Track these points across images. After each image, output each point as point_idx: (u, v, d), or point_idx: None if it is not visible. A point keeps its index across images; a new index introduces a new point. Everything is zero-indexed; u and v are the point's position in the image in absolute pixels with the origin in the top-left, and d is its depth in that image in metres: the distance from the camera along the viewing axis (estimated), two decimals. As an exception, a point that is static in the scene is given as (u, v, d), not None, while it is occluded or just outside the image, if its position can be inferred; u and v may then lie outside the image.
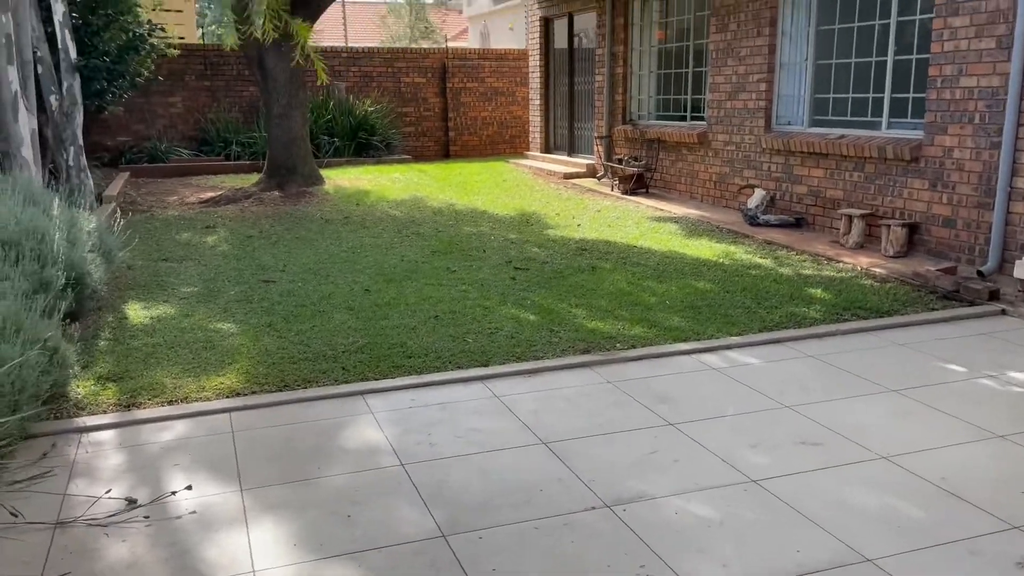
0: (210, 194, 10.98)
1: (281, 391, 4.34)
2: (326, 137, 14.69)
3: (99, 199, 10.04)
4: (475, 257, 7.51)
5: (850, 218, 7.56)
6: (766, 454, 3.60)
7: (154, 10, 14.62)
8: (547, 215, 9.69)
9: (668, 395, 4.29)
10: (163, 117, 14.87)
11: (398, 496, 3.27)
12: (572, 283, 6.51)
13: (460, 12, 26.59)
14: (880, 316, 5.60)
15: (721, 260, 7.24)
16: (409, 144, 16.49)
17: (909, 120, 7.36)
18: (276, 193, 10.80)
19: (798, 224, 8.48)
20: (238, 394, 4.30)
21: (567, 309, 5.78)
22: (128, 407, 4.14)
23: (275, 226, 9.05)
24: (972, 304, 5.80)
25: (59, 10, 9.31)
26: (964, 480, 3.33)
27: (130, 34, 11.15)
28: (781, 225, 8.52)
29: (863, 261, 6.98)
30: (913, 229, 7.13)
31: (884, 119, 7.60)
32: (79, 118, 9.60)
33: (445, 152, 16.88)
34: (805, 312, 5.65)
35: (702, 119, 10.22)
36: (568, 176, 12.73)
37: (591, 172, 12.67)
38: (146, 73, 13.63)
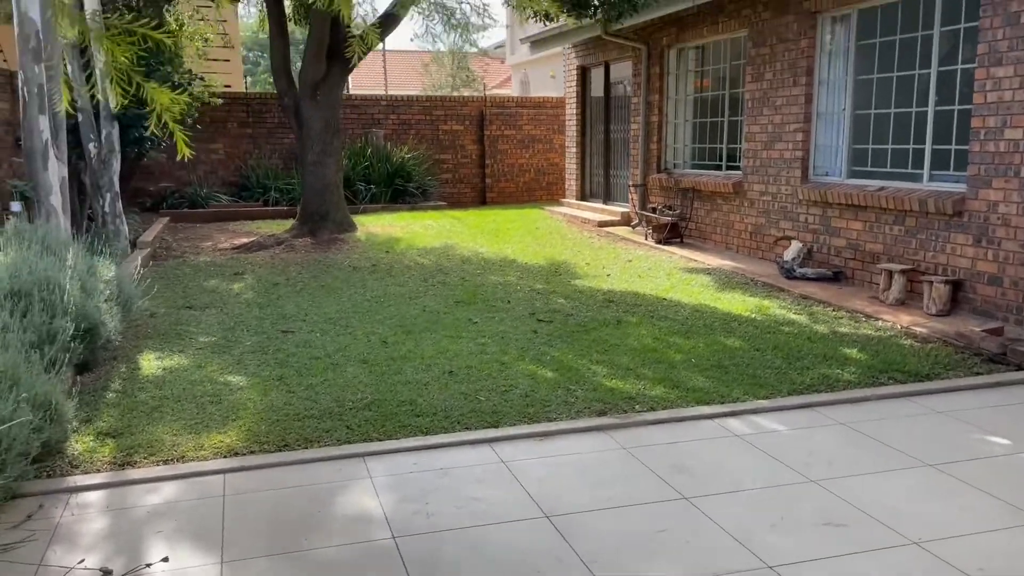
0: (244, 240, 11.04)
1: (280, 451, 4.19)
2: (362, 184, 14.78)
3: (134, 244, 10.14)
4: (498, 308, 7.35)
5: (890, 273, 7.25)
6: (786, 535, 3.32)
7: (201, 58, 15.00)
8: (577, 264, 9.51)
9: (685, 465, 4.04)
10: (205, 163, 15.12)
11: (385, 574, 3.07)
12: (595, 337, 6.30)
13: (502, 61, 26.86)
14: (920, 380, 5.28)
15: (753, 315, 6.98)
16: (446, 191, 16.53)
17: (951, 173, 7.07)
18: (308, 239, 10.81)
19: (836, 278, 8.18)
20: (236, 453, 4.16)
21: (587, 366, 5.56)
22: (122, 466, 4.02)
23: (302, 273, 9.02)
24: (1020, 368, 5.45)
25: (100, 60, 9.51)
26: (1005, 571, 3.02)
27: (171, 83, 11.35)
28: (818, 279, 8.22)
29: (903, 319, 6.65)
30: (957, 286, 6.79)
31: (925, 171, 7.31)
32: (116, 165, 9.75)
33: (482, 199, 16.87)
34: (839, 374, 5.35)
35: (738, 168, 10.01)
36: (602, 224, 12.57)
37: (625, 221, 12.50)
38: (189, 121, 13.91)
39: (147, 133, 10.61)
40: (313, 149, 11.04)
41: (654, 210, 11.32)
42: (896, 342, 6.08)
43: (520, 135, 16.96)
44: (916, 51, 7.36)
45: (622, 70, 13.03)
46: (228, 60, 19.89)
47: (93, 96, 9.59)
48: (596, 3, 9.46)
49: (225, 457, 4.12)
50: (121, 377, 5.36)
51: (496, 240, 11.29)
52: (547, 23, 11.01)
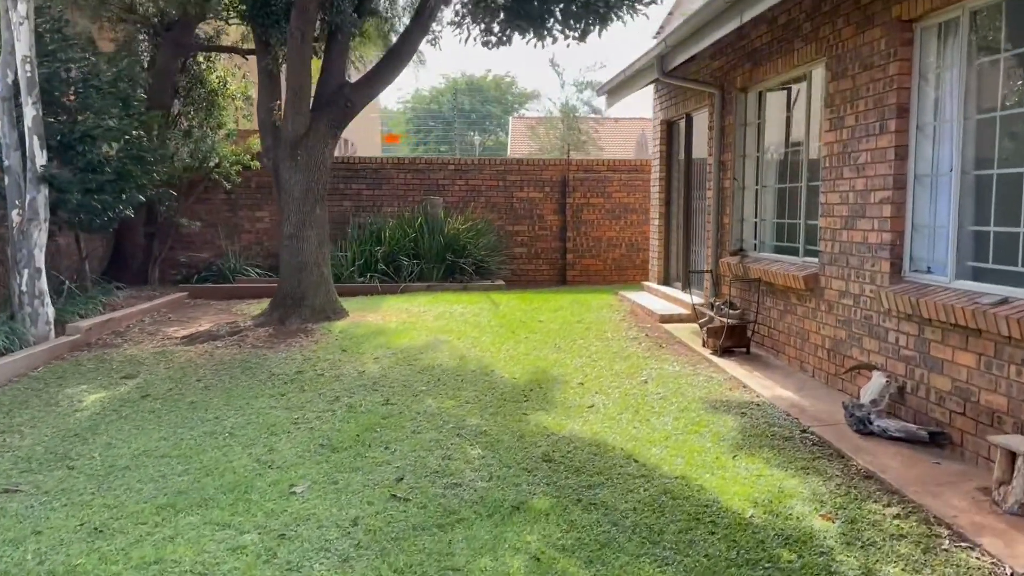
0: (204, 327, 9.26)
1: None
2: (406, 260, 12.76)
3: (63, 330, 8.58)
4: (363, 464, 4.87)
5: (1012, 456, 4.06)
6: None
7: (245, 119, 13.79)
8: (568, 384, 6.81)
9: None
10: (249, 232, 13.78)
11: None
12: (441, 548, 3.68)
13: (616, 121, 24.34)
14: None
15: (750, 515, 4.07)
16: (519, 267, 14.20)
17: None
18: (271, 329, 8.84)
19: (934, 441, 5.00)
20: None
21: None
22: None
23: (203, 380, 6.98)
24: None
25: (28, 115, 8.15)
26: None
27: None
28: (906, 439, 5.07)
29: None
30: None
31: (1082, 274, 4.12)
32: (39, 236, 8.27)
33: (561, 277, 14.36)
34: None
35: (816, 254, 6.96)
36: (665, 319, 9.71)
37: (696, 316, 9.56)
38: (228, 185, 12.62)
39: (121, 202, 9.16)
40: (290, 220, 9.14)
41: (712, 306, 8.36)
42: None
43: (610, 204, 14.37)
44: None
45: (703, 122, 10.25)
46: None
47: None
48: (555, 14, 6.88)
49: None
50: None
51: (506, 337, 8.77)
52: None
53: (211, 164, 13.02)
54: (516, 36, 7.90)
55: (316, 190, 9.15)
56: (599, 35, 8.28)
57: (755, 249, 8.56)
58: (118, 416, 5.97)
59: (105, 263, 12.39)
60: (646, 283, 12.23)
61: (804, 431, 5.45)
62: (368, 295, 12.19)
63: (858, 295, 6.06)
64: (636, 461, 4.93)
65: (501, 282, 13.05)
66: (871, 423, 5.27)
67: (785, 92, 8.02)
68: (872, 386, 5.52)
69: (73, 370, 7.44)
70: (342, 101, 9.14)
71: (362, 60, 12.82)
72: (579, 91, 24.97)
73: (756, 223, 8.46)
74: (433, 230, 13.07)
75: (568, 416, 5.88)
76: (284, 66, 9.40)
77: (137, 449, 5.20)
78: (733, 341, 7.84)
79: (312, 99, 9.21)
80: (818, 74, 7.00)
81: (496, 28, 7.84)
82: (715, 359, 7.66)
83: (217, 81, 13.07)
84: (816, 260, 6.88)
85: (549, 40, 7.88)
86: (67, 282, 9.71)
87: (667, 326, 9.50)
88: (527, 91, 50.91)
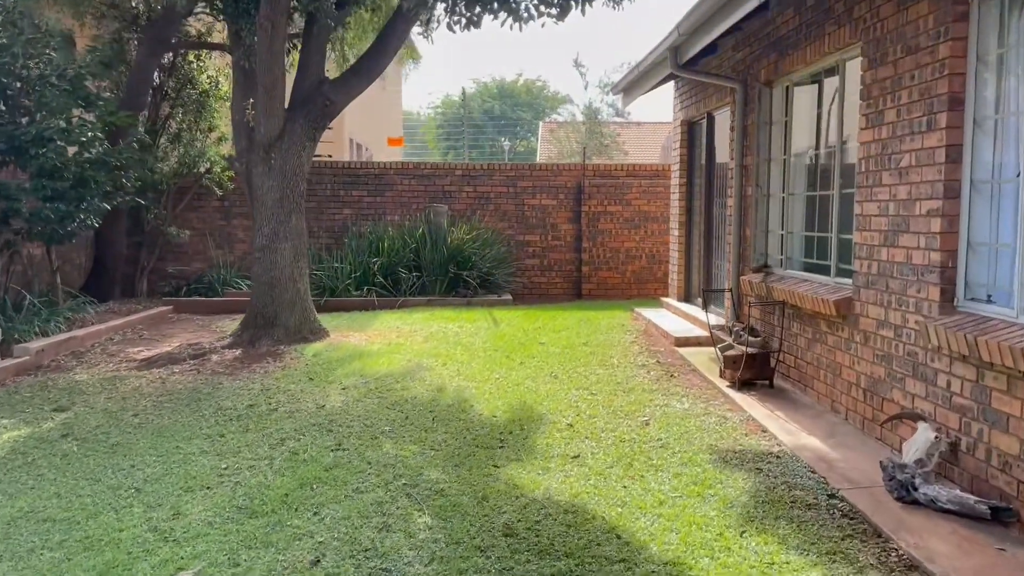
0: (168, 348, 8.44)
1: None
2: (405, 272, 11.87)
3: (11, 351, 7.81)
4: (278, 538, 3.95)
5: (1108, 558, 3.02)
6: None
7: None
8: (554, 425, 5.83)
9: None
10: (243, 242, 12.98)
11: None
12: None
13: (639, 124, 23.11)
14: None
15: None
16: (531, 280, 13.24)
17: None
18: (239, 352, 7.99)
19: (996, 518, 3.95)
20: None
21: None
22: None
23: (138, 416, 6.13)
24: None
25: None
26: None
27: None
28: (959, 512, 4.04)
29: None
30: None
31: None
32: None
33: (576, 291, 13.37)
34: None
35: (850, 274, 5.91)
36: (681, 342, 8.68)
37: (715, 340, 8.52)
38: (220, 192, 11.89)
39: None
40: (262, 230, 8.30)
41: (731, 331, 7.33)
42: None
43: (628, 212, 13.35)
44: None
45: (724, 122, 9.23)
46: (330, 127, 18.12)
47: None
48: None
49: None
50: None
51: (499, 363, 7.82)
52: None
53: (201, 169, 12.28)
54: (488, 18, 6.94)
55: (292, 197, 8.29)
56: (582, 13, 7.29)
57: (780, 265, 7.51)
58: (24, 461, 5.14)
59: (87, 275, 11.69)
60: (665, 299, 11.20)
61: (832, 496, 4.43)
62: (363, 310, 11.33)
63: (900, 326, 5.02)
64: (619, 537, 3.95)
65: (508, 297, 12.11)
66: (916, 489, 4.23)
67: (815, 86, 6.98)
68: (918, 441, 4.48)
69: (5, 399, 6.64)
70: (320, 99, 8.28)
71: (357, 55, 11.96)
72: (604, 93, 23.80)
73: (782, 236, 7.42)
74: (436, 240, 12.17)
75: (546, 469, 4.92)
76: (261, 62, 8.56)
77: (20, 509, 4.35)
78: (753, 372, 6.80)
79: (289, 98, 8.37)
80: (853, 63, 5.96)
81: (462, 7, 6.91)
82: (732, 393, 6.63)
83: (208, 81, 12.32)
84: (850, 281, 5.83)
85: (526, 17, 6.92)
86: (28, 296, 8.96)
87: (682, 350, 8.48)
88: (558, 95, 49.77)
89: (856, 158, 5.69)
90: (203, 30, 12.25)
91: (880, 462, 4.57)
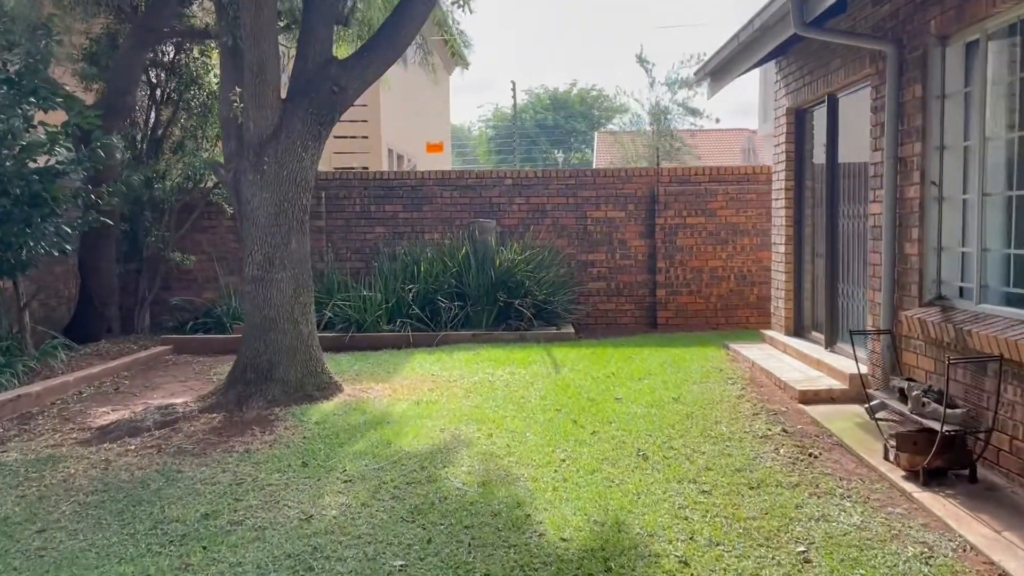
0: (134, 410, 6.53)
1: None
2: (445, 301, 9.86)
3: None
4: None
5: None
6: None
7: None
8: (657, 560, 3.70)
9: None
10: (260, 266, 11.11)
11: None
12: None
13: (708, 132, 20.58)
14: None
15: None
16: (595, 307, 11.13)
17: None
18: (218, 418, 6.04)
19: None
20: None
21: None
22: None
23: (45, 531, 4.19)
24: None
25: None
26: None
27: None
28: None
29: None
30: None
31: None
32: None
33: (651, 320, 11.19)
34: None
35: None
36: (808, 398, 6.48)
37: (856, 392, 6.28)
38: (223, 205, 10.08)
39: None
40: (254, 256, 6.36)
41: (901, 393, 5.09)
42: None
43: (712, 224, 11.15)
44: None
45: (857, 106, 7.02)
46: (365, 136, 16.34)
47: None
48: None
49: None
50: None
51: (564, 433, 5.71)
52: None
53: (208, 184, 10.51)
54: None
55: (290, 213, 6.34)
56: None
57: (961, 295, 5.28)
58: None
59: (76, 309, 9.97)
60: (767, 332, 8.97)
61: None
62: (396, 348, 9.36)
63: None
64: None
65: (570, 329, 10.00)
66: None
67: (1018, 39, 4.78)
68: None
69: None
70: (327, 85, 6.34)
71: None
72: (671, 91, 21.51)
73: (968, 255, 5.19)
74: (482, 262, 10.14)
75: None
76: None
77: None
78: (946, 460, 4.58)
79: (288, 87, 6.47)
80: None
81: None
82: (915, 492, 4.42)
83: (217, 81, 10.54)
84: None
85: None
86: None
87: (811, 410, 6.27)
88: (615, 104, 47.36)
89: None
90: (211, 22, 10.50)
91: None
